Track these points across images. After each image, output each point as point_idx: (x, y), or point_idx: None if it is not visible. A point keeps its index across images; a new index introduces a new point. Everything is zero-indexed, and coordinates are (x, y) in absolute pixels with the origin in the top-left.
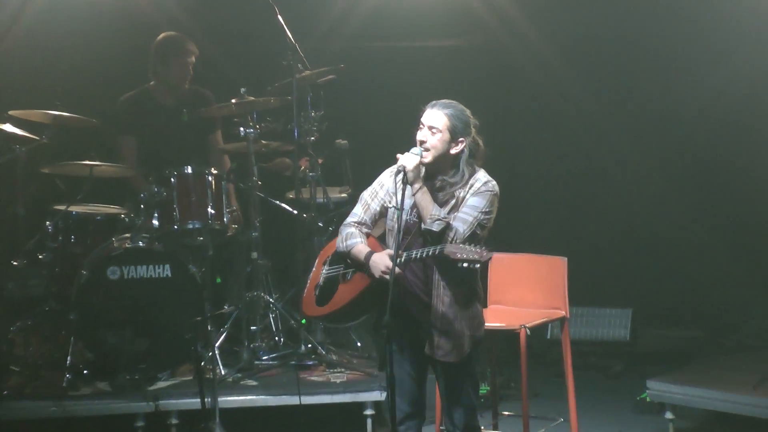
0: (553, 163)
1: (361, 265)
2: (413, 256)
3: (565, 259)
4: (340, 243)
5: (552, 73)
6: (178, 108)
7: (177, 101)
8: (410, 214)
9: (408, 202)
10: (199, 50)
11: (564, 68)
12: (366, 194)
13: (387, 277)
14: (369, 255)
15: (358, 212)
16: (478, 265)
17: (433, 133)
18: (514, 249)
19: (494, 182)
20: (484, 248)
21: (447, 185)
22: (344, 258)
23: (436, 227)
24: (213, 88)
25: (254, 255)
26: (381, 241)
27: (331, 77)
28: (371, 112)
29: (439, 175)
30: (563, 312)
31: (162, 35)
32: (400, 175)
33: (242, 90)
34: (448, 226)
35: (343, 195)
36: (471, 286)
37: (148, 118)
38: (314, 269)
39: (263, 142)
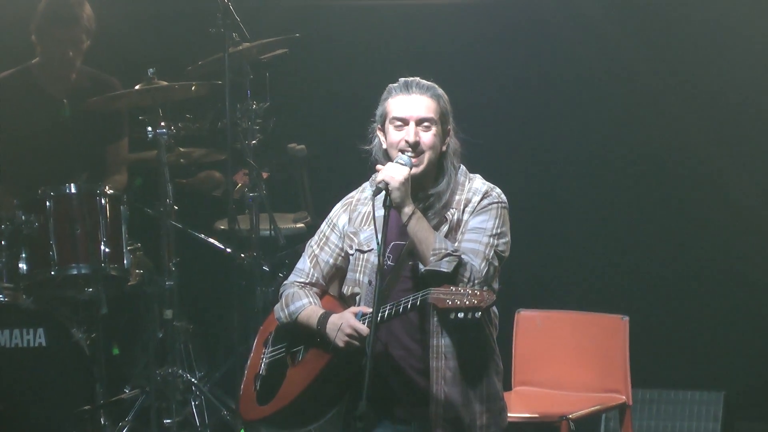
0: (601, 169)
1: (315, 336)
2: (386, 312)
3: (627, 318)
4: (280, 310)
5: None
6: (68, 99)
7: (67, 90)
8: (384, 254)
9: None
10: (99, 19)
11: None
12: (313, 242)
13: (356, 343)
14: (323, 318)
15: (304, 268)
16: (479, 314)
17: (427, 129)
18: (550, 304)
19: (498, 190)
20: (483, 288)
21: (436, 201)
22: (289, 331)
23: (445, 266)
24: (119, 71)
25: (168, 314)
26: (343, 301)
27: (281, 52)
28: (340, 103)
29: (420, 190)
30: (623, 397)
31: None
32: (380, 196)
33: (150, 71)
34: (460, 263)
35: (300, 225)
36: (484, 350)
37: (23, 110)
38: (252, 354)
39: (181, 149)
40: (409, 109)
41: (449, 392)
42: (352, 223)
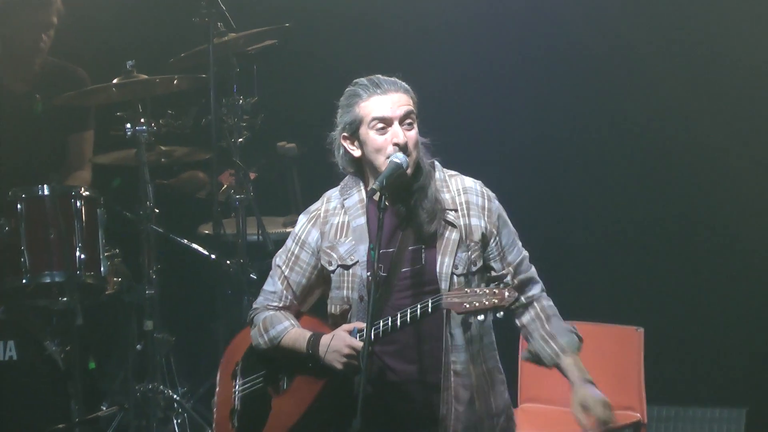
0: (614, 171)
1: (304, 360)
2: (390, 324)
3: (641, 329)
4: (259, 336)
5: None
6: (31, 95)
7: (30, 84)
8: (369, 267)
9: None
10: (72, 5)
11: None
12: (280, 261)
13: (355, 363)
14: (314, 340)
15: (275, 290)
16: (501, 313)
17: (410, 126)
18: (559, 313)
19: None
20: (500, 285)
21: (422, 197)
22: (265, 359)
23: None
24: (90, 64)
25: (148, 325)
26: (323, 320)
27: (269, 43)
28: (333, 99)
29: (404, 189)
30: (638, 414)
31: None
32: (352, 202)
33: (129, 64)
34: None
35: (290, 229)
36: (491, 360)
37: None
38: (219, 390)
39: (162, 148)
40: (391, 108)
41: (461, 411)
42: (326, 237)
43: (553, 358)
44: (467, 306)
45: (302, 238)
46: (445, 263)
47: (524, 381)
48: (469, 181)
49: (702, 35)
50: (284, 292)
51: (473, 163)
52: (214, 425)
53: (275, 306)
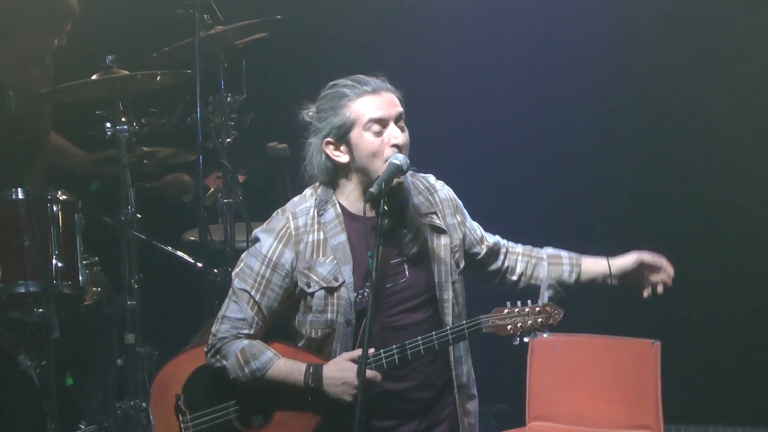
0: (626, 173)
1: (295, 393)
2: (411, 350)
3: (658, 343)
4: (238, 369)
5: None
6: (1, 90)
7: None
8: (357, 289)
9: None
10: None
11: None
12: (247, 286)
13: (367, 394)
14: (315, 371)
15: (245, 317)
16: (547, 334)
17: (403, 128)
18: (570, 326)
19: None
20: (541, 302)
21: (419, 216)
22: (226, 391)
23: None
24: (66, 59)
25: (130, 338)
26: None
27: (259, 37)
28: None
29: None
30: None
31: None
32: (328, 218)
33: (108, 58)
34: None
35: None
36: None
37: None
38: (155, 425)
39: (144, 149)
40: (387, 107)
41: (473, 424)
42: (301, 257)
43: (574, 267)
44: (510, 329)
45: (273, 259)
46: (442, 271)
47: (532, 399)
48: (430, 177)
49: (703, 36)
50: (255, 318)
51: (477, 164)
52: None
53: (246, 334)
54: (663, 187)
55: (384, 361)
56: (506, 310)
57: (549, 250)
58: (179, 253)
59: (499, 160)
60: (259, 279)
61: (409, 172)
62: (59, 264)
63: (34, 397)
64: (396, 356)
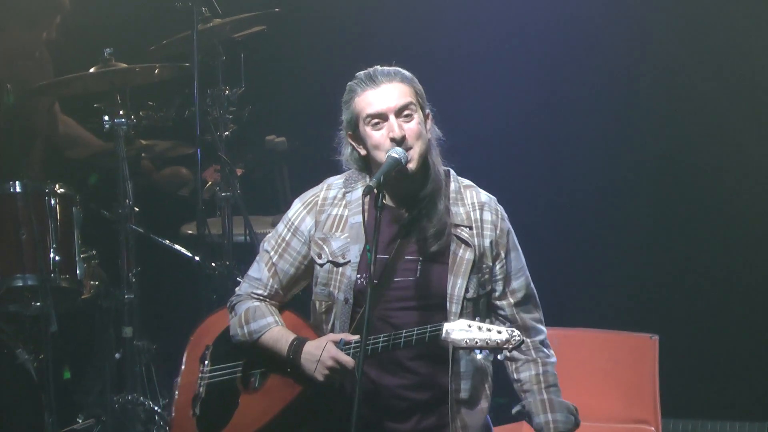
0: (625, 175)
1: (283, 363)
2: (381, 345)
3: (656, 337)
4: (239, 327)
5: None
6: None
7: None
8: (361, 270)
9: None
10: None
11: None
12: (269, 246)
13: (338, 377)
14: (297, 345)
15: (261, 277)
16: (502, 354)
17: (409, 118)
18: (568, 321)
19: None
20: (507, 325)
21: (431, 207)
22: (239, 350)
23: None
24: (64, 52)
25: (127, 332)
26: (305, 318)
27: (257, 30)
28: (325, 89)
29: (410, 195)
30: (653, 428)
31: None
32: (354, 197)
33: (107, 51)
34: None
35: None
36: (485, 381)
37: None
38: (184, 370)
39: (143, 142)
40: (384, 100)
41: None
42: (320, 227)
43: (543, 429)
44: (467, 341)
45: (295, 224)
46: (457, 285)
47: None
48: (485, 196)
49: (704, 35)
50: (270, 280)
51: (483, 168)
52: (173, 407)
53: (259, 295)
54: (662, 183)
55: (352, 351)
56: (469, 324)
57: (554, 395)
58: (177, 247)
59: (499, 160)
60: (279, 241)
61: (467, 183)
62: (57, 257)
63: (32, 390)
64: (370, 347)
